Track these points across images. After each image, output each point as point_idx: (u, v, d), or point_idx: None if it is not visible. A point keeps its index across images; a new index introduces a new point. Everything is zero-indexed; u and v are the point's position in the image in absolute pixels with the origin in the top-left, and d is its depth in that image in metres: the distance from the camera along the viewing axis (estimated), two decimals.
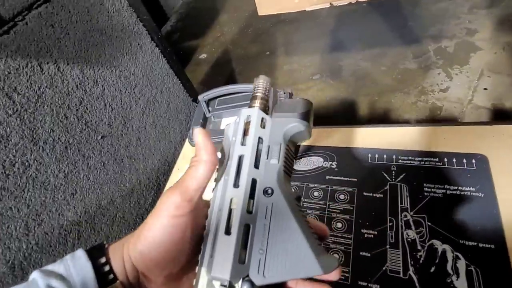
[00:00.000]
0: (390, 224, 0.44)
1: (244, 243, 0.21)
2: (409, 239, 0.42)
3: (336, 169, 0.53)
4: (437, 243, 0.40)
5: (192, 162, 0.24)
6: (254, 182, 0.23)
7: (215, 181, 0.25)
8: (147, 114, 0.86)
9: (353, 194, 0.49)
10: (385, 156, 0.51)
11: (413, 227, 0.42)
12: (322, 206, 0.49)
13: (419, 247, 0.41)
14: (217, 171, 0.25)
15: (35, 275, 0.22)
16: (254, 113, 0.26)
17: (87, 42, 0.69)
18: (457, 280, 0.37)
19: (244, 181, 0.23)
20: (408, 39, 1.38)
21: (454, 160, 0.46)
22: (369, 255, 0.42)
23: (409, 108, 1.16)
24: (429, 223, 0.42)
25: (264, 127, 0.25)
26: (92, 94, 0.70)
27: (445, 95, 1.14)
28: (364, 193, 0.48)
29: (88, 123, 0.69)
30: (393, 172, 0.49)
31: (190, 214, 0.23)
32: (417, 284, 0.38)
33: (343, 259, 0.43)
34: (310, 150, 0.57)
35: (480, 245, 0.39)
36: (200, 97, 0.59)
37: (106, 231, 0.72)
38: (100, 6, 0.73)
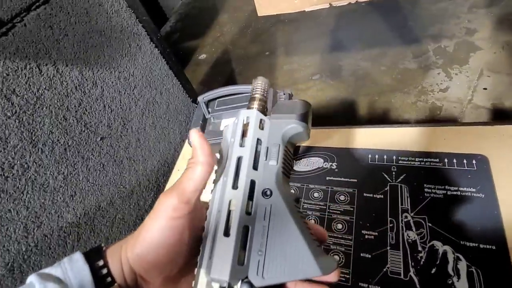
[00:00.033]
0: (391, 225, 0.44)
1: (243, 245, 0.21)
2: (409, 240, 0.42)
3: (336, 170, 0.52)
4: (438, 244, 0.40)
5: (189, 164, 0.24)
6: (253, 183, 0.23)
7: (213, 182, 0.25)
8: (146, 115, 0.86)
9: (354, 195, 0.48)
10: (385, 156, 0.51)
11: (413, 228, 0.42)
12: (322, 207, 0.49)
13: (419, 248, 0.41)
14: (215, 172, 0.25)
15: (32, 278, 0.22)
16: (253, 114, 0.26)
17: (86, 44, 0.69)
18: (458, 281, 0.37)
19: (243, 182, 0.23)
20: (407, 39, 1.38)
21: (455, 160, 0.46)
22: (369, 256, 0.42)
23: (409, 108, 1.15)
24: (429, 224, 0.42)
25: (262, 129, 0.25)
26: (91, 96, 0.70)
27: (445, 95, 1.14)
28: (365, 194, 0.48)
29: (87, 125, 0.69)
30: (393, 173, 0.48)
31: (188, 216, 0.23)
32: (418, 286, 0.38)
33: (343, 261, 0.43)
34: (310, 151, 0.57)
35: (481, 246, 0.38)
36: (199, 98, 0.59)
37: (105, 233, 0.72)
38: (99, 7, 0.73)
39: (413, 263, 0.40)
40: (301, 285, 0.22)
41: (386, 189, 0.47)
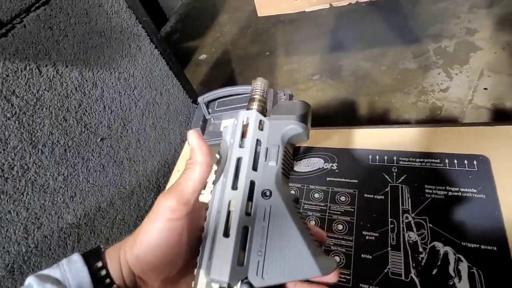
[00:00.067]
0: (392, 226, 0.43)
1: (242, 245, 0.21)
2: (410, 241, 0.41)
3: (336, 171, 0.52)
4: (438, 245, 0.40)
5: (187, 165, 0.24)
6: (252, 184, 0.23)
7: (213, 183, 0.25)
8: (146, 116, 0.85)
9: (354, 196, 0.48)
10: (385, 157, 0.51)
11: (414, 229, 0.42)
12: (322, 208, 0.49)
13: (420, 249, 0.40)
14: (215, 173, 0.25)
15: (30, 280, 0.22)
16: (252, 115, 0.26)
17: (86, 44, 0.69)
18: (459, 282, 0.37)
19: (243, 183, 0.23)
20: (408, 39, 1.38)
21: (455, 161, 0.46)
22: (370, 257, 0.42)
23: (409, 108, 1.15)
24: (430, 225, 0.42)
25: (262, 129, 0.26)
26: (91, 97, 0.70)
27: (445, 95, 1.14)
28: (365, 195, 0.48)
29: (87, 126, 0.68)
30: (394, 174, 0.48)
31: (187, 217, 0.22)
32: (419, 287, 0.38)
33: (344, 261, 0.43)
34: (310, 152, 0.56)
35: (482, 247, 0.38)
36: (199, 99, 0.59)
37: (106, 234, 0.71)
38: (99, 8, 0.73)
39: (414, 264, 0.39)
40: (301, 286, 0.22)
41: (386, 189, 0.47)
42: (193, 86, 1.09)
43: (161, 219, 0.22)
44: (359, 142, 0.54)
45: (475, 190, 0.43)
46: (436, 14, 1.41)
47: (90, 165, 0.69)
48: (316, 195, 0.51)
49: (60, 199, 0.62)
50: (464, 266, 0.38)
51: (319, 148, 0.56)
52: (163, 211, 0.22)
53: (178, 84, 0.98)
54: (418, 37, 1.36)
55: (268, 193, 0.23)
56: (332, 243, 0.45)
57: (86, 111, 0.68)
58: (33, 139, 0.57)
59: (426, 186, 0.45)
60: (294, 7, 0.99)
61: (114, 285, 0.23)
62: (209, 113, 0.61)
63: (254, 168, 0.24)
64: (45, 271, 0.23)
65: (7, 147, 0.53)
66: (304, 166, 0.55)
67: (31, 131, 0.57)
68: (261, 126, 0.26)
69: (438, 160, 0.47)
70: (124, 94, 0.79)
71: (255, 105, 0.27)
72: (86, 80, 0.69)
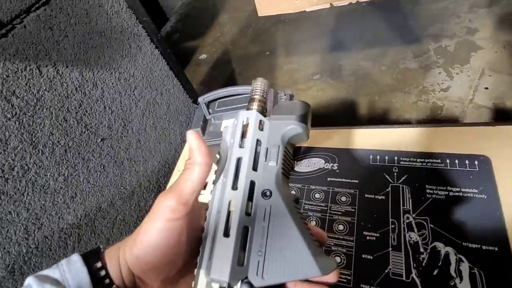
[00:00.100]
0: (392, 226, 0.43)
1: (242, 245, 0.21)
2: (411, 242, 0.41)
3: (337, 171, 0.52)
4: (440, 245, 0.40)
5: (187, 165, 0.24)
6: (252, 184, 0.23)
7: (213, 183, 0.25)
8: (147, 116, 0.85)
9: (355, 196, 0.48)
10: (386, 157, 0.51)
11: (415, 229, 0.42)
12: (323, 208, 0.49)
13: (421, 250, 0.40)
14: (215, 173, 0.25)
15: (30, 280, 0.22)
16: (252, 115, 0.26)
17: (86, 45, 0.69)
18: (460, 283, 0.37)
19: (243, 183, 0.23)
20: (408, 38, 1.37)
21: (457, 161, 0.46)
22: (371, 257, 0.42)
23: (410, 107, 1.15)
24: (431, 225, 0.42)
25: (262, 130, 0.26)
26: (91, 97, 0.70)
27: (446, 95, 1.13)
28: (366, 195, 0.48)
29: (87, 126, 0.68)
30: (395, 174, 0.48)
31: (186, 217, 0.22)
32: (420, 287, 0.38)
33: (345, 262, 0.43)
34: (311, 152, 0.56)
35: (484, 247, 0.38)
36: (200, 99, 0.59)
37: (106, 234, 0.72)
38: (99, 8, 0.72)
39: (415, 265, 0.39)
40: (301, 286, 0.22)
41: (387, 190, 0.47)
42: (193, 86, 1.09)
43: (161, 218, 0.22)
44: (359, 142, 0.54)
45: (476, 190, 0.43)
46: (436, 13, 1.41)
47: (90, 165, 0.69)
48: (317, 195, 0.51)
49: (61, 199, 0.62)
50: (465, 267, 0.37)
51: (319, 148, 0.56)
52: (163, 211, 0.22)
53: (179, 84, 0.98)
54: (419, 36, 1.36)
55: (268, 193, 0.23)
56: (333, 244, 0.45)
57: (87, 112, 0.68)
58: (33, 140, 0.57)
59: (427, 186, 0.45)
60: (294, 6, 0.99)
61: (114, 286, 0.23)
62: (209, 113, 0.61)
63: (254, 168, 0.24)
64: (45, 272, 0.23)
65: (7, 148, 0.53)
66: (304, 166, 0.55)
67: (32, 132, 0.57)
68: (261, 126, 0.26)
69: (439, 160, 0.47)
70: (125, 94, 0.79)
71: (255, 105, 0.27)
72: (87, 81, 0.69)
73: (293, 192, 0.52)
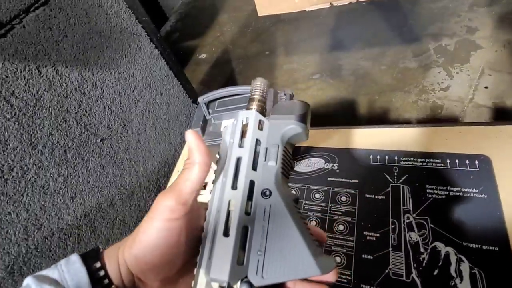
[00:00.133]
0: (393, 226, 0.43)
1: (242, 245, 0.21)
2: (411, 242, 0.41)
3: (337, 171, 0.52)
4: (440, 245, 0.40)
5: (186, 165, 0.24)
6: (252, 184, 0.23)
7: (213, 183, 0.25)
8: (146, 116, 0.85)
9: (355, 196, 0.48)
10: (386, 157, 0.50)
11: (415, 229, 0.42)
12: (323, 208, 0.49)
13: (422, 250, 0.40)
14: (215, 173, 0.25)
15: (28, 280, 0.22)
16: (252, 115, 0.26)
17: (86, 45, 0.69)
18: (460, 283, 0.37)
19: (242, 183, 0.23)
20: (408, 37, 1.37)
21: (457, 161, 0.46)
22: (371, 258, 0.42)
23: (410, 107, 1.15)
24: (432, 225, 0.42)
25: (261, 129, 0.26)
26: (91, 97, 0.70)
27: (446, 94, 1.13)
28: (366, 195, 0.48)
29: (87, 126, 0.68)
30: (395, 174, 0.48)
31: (185, 217, 0.22)
32: (420, 287, 0.38)
33: (345, 262, 0.43)
34: (311, 152, 0.56)
35: (484, 247, 0.38)
36: (200, 99, 0.58)
37: (106, 235, 0.71)
38: (98, 8, 0.72)
39: (415, 265, 0.39)
40: (301, 285, 0.22)
41: (387, 190, 0.47)
42: (193, 85, 1.09)
43: (160, 218, 0.22)
44: (359, 142, 0.54)
45: (476, 190, 0.42)
46: (436, 12, 1.41)
47: (90, 165, 0.68)
48: (317, 195, 0.50)
49: (60, 200, 0.62)
50: (465, 267, 0.37)
51: (319, 148, 0.56)
52: (162, 211, 0.22)
53: (178, 84, 0.98)
54: (418, 36, 1.35)
55: (267, 193, 0.23)
56: (333, 244, 0.45)
57: (86, 112, 0.68)
58: (33, 140, 0.57)
59: (427, 186, 0.45)
60: (294, 6, 0.99)
61: (113, 286, 0.23)
62: (209, 113, 0.60)
63: (254, 167, 0.24)
64: (43, 272, 0.23)
65: (6, 148, 0.53)
66: (304, 166, 0.55)
67: (31, 132, 0.57)
68: (260, 126, 0.26)
69: (439, 160, 0.47)
70: (124, 94, 0.78)
71: (254, 105, 0.27)
72: (86, 81, 0.69)
73: (292, 191, 0.52)
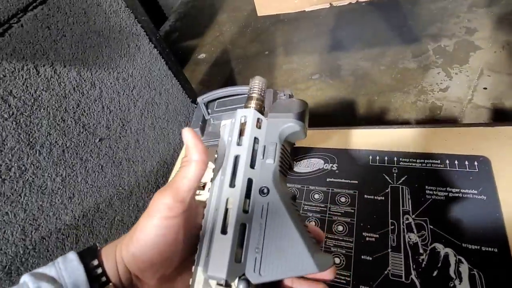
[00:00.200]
0: (392, 227, 0.43)
1: (240, 242, 0.22)
2: (411, 243, 0.41)
3: (336, 171, 0.52)
4: (439, 246, 0.40)
5: (183, 163, 0.24)
6: (250, 181, 0.23)
7: (211, 181, 0.25)
8: (145, 116, 0.85)
9: (354, 197, 0.48)
10: (386, 158, 0.50)
11: (415, 230, 0.42)
12: (322, 208, 0.49)
13: (421, 251, 0.40)
14: (213, 171, 0.25)
15: (25, 278, 0.22)
16: (250, 113, 0.26)
17: (84, 44, 0.69)
18: (460, 284, 0.37)
19: (240, 181, 0.23)
20: (407, 38, 1.37)
21: (456, 162, 0.46)
22: (370, 258, 0.42)
23: (409, 107, 1.15)
24: (431, 226, 0.42)
25: (260, 128, 0.26)
26: (89, 97, 0.69)
27: (445, 95, 1.13)
28: (365, 196, 0.48)
29: (85, 126, 0.68)
30: (395, 174, 0.48)
31: (183, 215, 0.22)
32: None
33: (344, 263, 0.43)
34: (310, 152, 0.56)
35: (483, 248, 0.38)
36: (199, 99, 0.58)
37: (104, 235, 0.71)
38: (97, 7, 0.72)
39: (414, 266, 0.39)
40: (298, 283, 0.22)
41: (387, 190, 0.47)
42: (192, 85, 1.09)
43: (157, 216, 0.22)
44: (359, 143, 0.54)
45: (475, 191, 0.42)
46: (435, 13, 1.41)
47: (88, 165, 0.68)
48: (316, 196, 0.50)
49: (58, 200, 0.62)
50: (464, 268, 0.37)
51: (319, 149, 0.56)
52: (160, 209, 0.22)
53: (177, 84, 0.97)
54: (418, 36, 1.36)
55: (265, 191, 0.23)
56: (332, 244, 0.45)
57: (85, 112, 0.68)
58: (30, 140, 0.57)
59: (426, 187, 0.45)
60: (294, 6, 0.99)
61: (110, 283, 0.23)
62: (208, 114, 0.60)
63: (252, 165, 0.24)
64: (40, 270, 0.23)
65: (4, 148, 0.53)
66: (304, 166, 0.55)
67: (29, 132, 0.57)
68: (258, 124, 0.26)
69: (439, 161, 0.47)
70: (123, 94, 0.78)
71: (253, 104, 0.27)
72: (85, 80, 0.68)
73: (293, 192, 0.52)
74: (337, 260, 0.43)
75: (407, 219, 0.43)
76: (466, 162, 0.45)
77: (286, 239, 0.21)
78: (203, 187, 0.55)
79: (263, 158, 0.24)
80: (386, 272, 0.40)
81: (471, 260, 0.38)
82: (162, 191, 0.23)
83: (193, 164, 0.23)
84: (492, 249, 0.38)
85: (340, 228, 0.46)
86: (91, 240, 0.68)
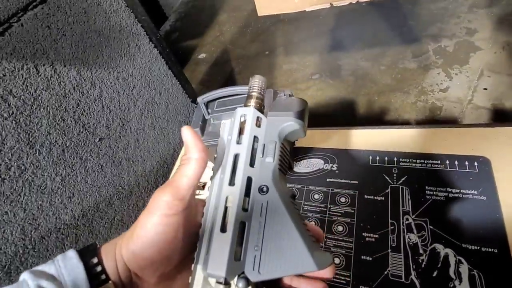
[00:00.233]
0: (392, 227, 0.43)
1: (239, 241, 0.22)
2: (411, 243, 0.41)
3: (336, 172, 0.52)
4: (439, 247, 0.40)
5: (182, 161, 0.24)
6: (249, 180, 0.23)
7: (210, 179, 0.25)
8: (145, 115, 0.85)
9: (354, 197, 0.48)
10: (386, 158, 0.50)
11: (415, 231, 0.42)
12: (322, 209, 0.49)
13: (421, 251, 0.40)
14: (213, 169, 0.25)
15: (25, 275, 0.22)
16: (250, 112, 0.26)
17: (84, 44, 0.69)
18: (459, 284, 0.37)
19: (240, 179, 0.23)
20: (407, 38, 1.37)
21: (456, 162, 0.46)
22: (370, 259, 0.42)
23: (409, 108, 1.15)
24: (431, 227, 0.42)
25: (259, 126, 0.26)
26: (89, 96, 0.69)
27: (445, 95, 1.13)
28: (365, 196, 0.48)
29: (85, 126, 0.68)
30: (394, 175, 0.48)
31: (183, 213, 0.22)
32: None
33: (344, 263, 0.43)
34: (310, 152, 0.56)
35: (483, 249, 0.38)
36: (199, 99, 0.58)
37: (104, 234, 0.71)
38: (97, 6, 0.72)
39: (414, 266, 0.39)
40: (297, 281, 0.22)
41: (387, 191, 0.47)
42: (192, 85, 1.09)
43: (157, 213, 0.22)
44: (359, 143, 0.54)
45: (476, 192, 0.42)
46: (436, 13, 1.41)
47: (88, 165, 0.68)
48: (316, 196, 0.50)
49: (58, 199, 0.61)
50: (464, 268, 0.37)
51: (319, 149, 0.56)
52: (160, 206, 0.22)
53: (178, 84, 0.97)
54: (418, 36, 1.36)
55: (265, 189, 0.23)
56: (332, 245, 0.45)
57: (84, 111, 0.68)
58: (30, 140, 0.57)
59: (426, 187, 0.45)
60: (294, 6, 0.99)
61: (110, 281, 0.23)
62: (208, 113, 0.60)
63: (251, 164, 0.24)
64: (40, 267, 0.23)
65: (4, 148, 0.53)
66: (304, 167, 0.55)
67: (29, 131, 0.57)
68: (258, 123, 0.26)
69: (439, 161, 0.47)
70: (123, 93, 0.78)
71: (252, 102, 0.27)
72: (85, 80, 0.68)
73: (294, 192, 0.52)
74: (337, 260, 0.43)
75: (407, 219, 0.43)
76: (466, 163, 0.45)
77: (285, 238, 0.21)
78: (203, 187, 0.55)
79: (262, 156, 0.24)
80: (386, 273, 0.40)
81: (471, 261, 0.38)
82: (162, 188, 0.23)
83: (192, 162, 0.23)
84: (492, 249, 0.38)
85: (340, 228, 0.46)
86: (91, 240, 0.68)
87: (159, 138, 0.89)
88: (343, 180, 0.51)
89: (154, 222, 0.22)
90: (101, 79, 0.72)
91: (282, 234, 0.21)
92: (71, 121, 0.65)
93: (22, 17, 0.57)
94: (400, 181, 0.47)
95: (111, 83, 0.75)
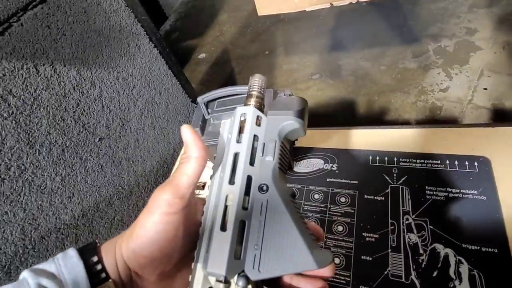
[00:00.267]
0: (392, 227, 0.43)
1: (239, 239, 0.22)
2: (411, 243, 0.41)
3: (337, 171, 0.52)
4: (439, 247, 0.40)
5: (182, 159, 0.24)
6: (249, 179, 0.24)
7: (210, 178, 0.25)
8: (145, 115, 0.85)
9: (354, 197, 0.48)
10: (386, 158, 0.50)
11: (415, 231, 0.42)
12: (322, 209, 0.49)
13: (421, 251, 0.40)
14: (213, 168, 0.25)
15: (25, 274, 0.22)
16: (250, 111, 0.26)
17: (84, 43, 0.69)
18: (460, 284, 0.36)
19: (240, 178, 0.23)
20: (407, 38, 1.37)
21: (456, 162, 0.46)
22: (370, 259, 0.42)
23: (409, 108, 1.15)
24: (431, 227, 0.42)
25: (259, 125, 0.26)
26: (89, 96, 0.69)
27: (445, 95, 1.13)
28: (365, 196, 0.47)
29: (85, 126, 0.68)
30: (395, 175, 0.48)
31: (183, 211, 0.22)
32: None
33: (344, 263, 0.42)
34: (310, 152, 0.56)
35: (483, 249, 0.38)
36: (199, 99, 0.58)
37: (104, 234, 0.71)
38: (97, 6, 0.72)
39: (414, 266, 0.39)
40: (297, 279, 0.22)
41: (387, 191, 0.47)
42: (192, 85, 1.09)
43: (157, 212, 0.22)
44: (359, 143, 0.54)
45: (476, 192, 0.42)
46: (436, 13, 1.41)
47: (88, 165, 0.68)
48: (316, 196, 0.50)
49: (58, 199, 0.61)
50: (464, 268, 0.37)
51: (319, 149, 0.56)
52: (160, 205, 0.22)
53: (178, 84, 0.97)
54: (418, 36, 1.36)
55: (265, 188, 0.23)
56: (332, 245, 0.45)
57: (84, 111, 0.68)
58: (30, 139, 0.57)
59: (426, 187, 0.45)
60: (294, 6, 0.99)
61: (110, 280, 0.23)
62: (208, 113, 0.60)
63: (251, 163, 0.24)
64: (40, 266, 0.23)
65: (4, 148, 0.53)
66: (304, 166, 0.55)
67: (28, 131, 0.57)
68: (258, 122, 0.26)
69: (439, 161, 0.47)
70: (123, 93, 0.78)
71: (252, 101, 0.27)
72: (84, 80, 0.68)
73: (294, 192, 0.52)
74: (337, 260, 0.43)
75: (407, 219, 0.43)
76: (466, 163, 0.45)
77: (285, 236, 0.21)
78: (203, 187, 0.55)
79: (262, 155, 0.25)
80: (386, 273, 0.40)
81: (471, 261, 0.38)
82: (162, 187, 0.23)
83: (192, 161, 0.23)
84: (492, 249, 0.38)
85: (340, 228, 0.46)
86: (91, 240, 0.68)
87: (159, 138, 0.89)
88: (343, 180, 0.51)
89: (154, 221, 0.22)
90: (101, 79, 0.72)
91: (282, 233, 0.21)
92: (71, 121, 0.65)
93: (22, 17, 0.57)
94: (400, 181, 0.47)
95: (111, 83, 0.75)
